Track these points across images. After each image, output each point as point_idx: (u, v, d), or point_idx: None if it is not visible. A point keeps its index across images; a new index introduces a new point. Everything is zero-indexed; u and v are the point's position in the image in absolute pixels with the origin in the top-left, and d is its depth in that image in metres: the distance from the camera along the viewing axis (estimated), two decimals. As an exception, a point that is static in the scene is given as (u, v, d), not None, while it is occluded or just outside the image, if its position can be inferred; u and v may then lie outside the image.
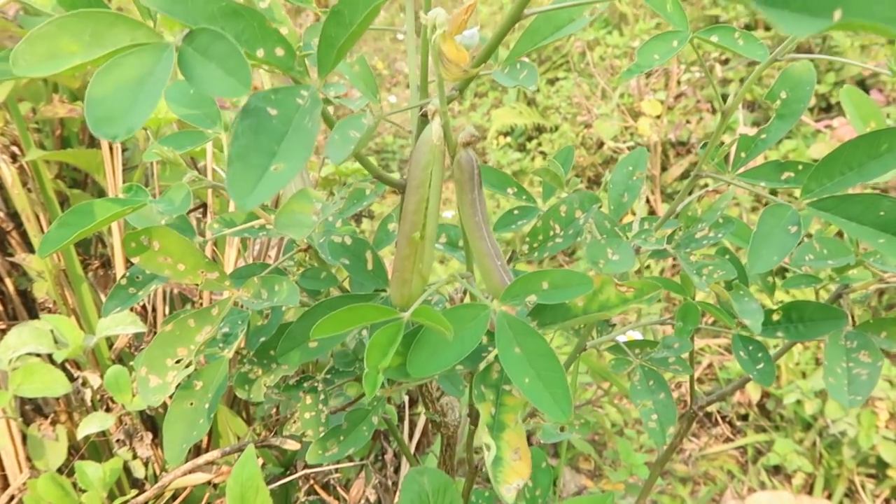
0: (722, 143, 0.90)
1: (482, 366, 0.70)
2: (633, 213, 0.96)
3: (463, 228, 0.72)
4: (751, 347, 0.91)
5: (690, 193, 0.92)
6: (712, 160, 0.88)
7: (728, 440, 2.10)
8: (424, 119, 0.71)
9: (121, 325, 1.17)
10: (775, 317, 0.92)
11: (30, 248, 1.38)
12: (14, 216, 1.39)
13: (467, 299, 0.83)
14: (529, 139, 3.57)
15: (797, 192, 0.75)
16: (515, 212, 0.95)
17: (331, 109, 0.64)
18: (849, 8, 0.33)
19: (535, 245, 0.86)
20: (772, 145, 0.87)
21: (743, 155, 0.88)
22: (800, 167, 0.84)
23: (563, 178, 0.91)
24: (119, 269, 1.36)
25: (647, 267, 2.41)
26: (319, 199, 0.67)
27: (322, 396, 0.94)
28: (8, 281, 1.39)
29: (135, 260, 0.77)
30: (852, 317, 0.93)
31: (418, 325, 0.65)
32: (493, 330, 0.64)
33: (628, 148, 2.96)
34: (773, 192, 0.82)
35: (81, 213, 0.71)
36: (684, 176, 2.95)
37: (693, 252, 0.90)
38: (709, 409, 2.14)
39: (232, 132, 0.48)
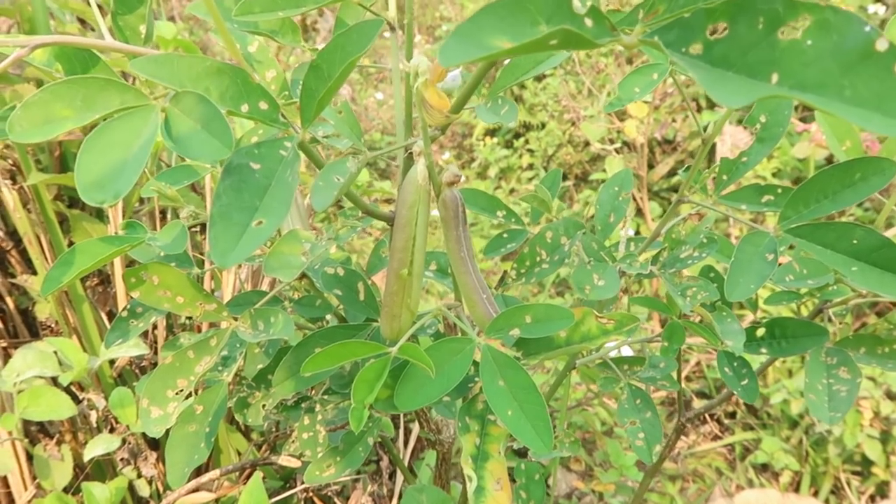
0: (711, 154, 0.92)
1: (468, 397, 0.72)
2: (624, 223, 0.98)
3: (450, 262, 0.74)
4: (735, 364, 0.93)
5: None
6: (695, 184, 0.90)
7: (716, 438, 2.12)
8: (410, 157, 0.74)
9: (123, 347, 1.20)
10: (759, 333, 0.94)
11: (30, 268, 1.40)
12: (13, 234, 1.42)
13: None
14: (517, 137, 3.59)
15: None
16: (504, 235, 0.97)
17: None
18: (784, 72, 0.36)
19: (523, 271, 0.88)
20: (752, 168, 0.89)
21: (725, 178, 0.90)
22: (779, 191, 0.86)
23: (551, 202, 0.93)
24: (118, 286, 1.39)
25: (640, 284, 2.44)
26: (309, 239, 0.69)
27: (319, 417, 0.97)
28: (9, 300, 1.42)
29: (135, 294, 0.79)
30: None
31: (406, 359, 0.67)
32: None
33: (615, 149, 2.97)
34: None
35: (82, 252, 0.73)
36: (671, 174, 2.96)
37: (679, 272, 0.92)
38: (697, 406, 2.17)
39: (214, 192, 0.49)
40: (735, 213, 0.85)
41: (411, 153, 0.71)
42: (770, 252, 0.75)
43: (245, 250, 0.49)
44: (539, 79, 3.72)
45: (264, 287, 1.36)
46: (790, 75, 0.35)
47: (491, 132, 3.64)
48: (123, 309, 0.86)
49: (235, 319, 0.81)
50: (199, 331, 1.38)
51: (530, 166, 3.38)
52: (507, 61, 0.77)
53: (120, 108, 0.52)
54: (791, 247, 0.96)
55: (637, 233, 2.69)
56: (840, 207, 0.74)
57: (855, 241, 0.71)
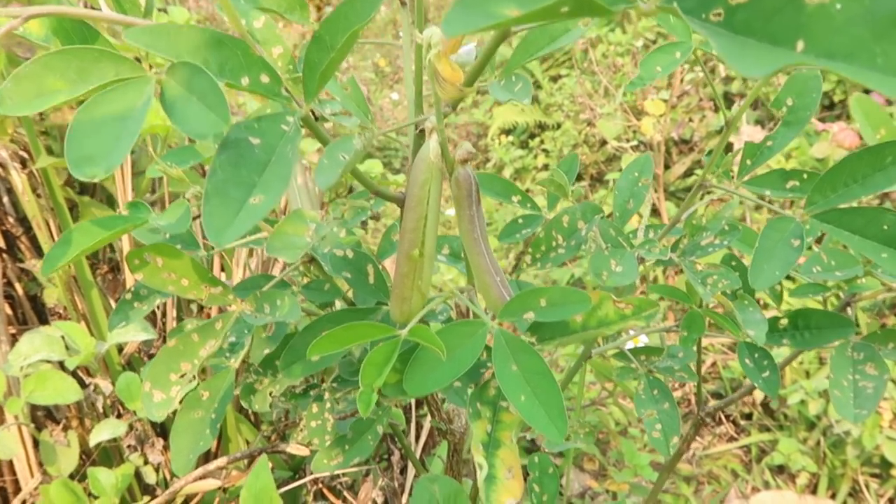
0: (728, 152, 0.89)
1: (480, 382, 0.69)
2: (640, 215, 0.95)
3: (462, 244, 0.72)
4: (756, 355, 0.90)
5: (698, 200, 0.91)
6: (717, 168, 0.87)
7: (732, 439, 2.09)
8: (421, 134, 0.71)
9: (131, 332, 1.18)
10: (781, 324, 0.91)
11: (39, 254, 1.39)
12: (23, 221, 1.41)
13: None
14: (532, 137, 3.56)
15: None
16: (520, 220, 0.94)
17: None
18: (810, 39, 0.32)
19: (538, 256, 0.86)
20: (777, 152, 0.85)
21: (749, 162, 0.86)
22: (805, 176, 0.83)
23: (568, 187, 0.90)
24: (128, 273, 1.37)
25: (656, 277, 2.40)
26: (314, 219, 0.66)
27: (328, 405, 0.95)
28: (17, 285, 1.41)
29: (138, 276, 0.77)
30: (857, 323, 0.92)
31: (416, 341, 0.65)
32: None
33: (632, 148, 2.93)
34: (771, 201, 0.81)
35: (83, 231, 0.71)
36: (687, 174, 2.92)
37: (698, 260, 0.89)
38: (712, 407, 2.14)
39: (210, 167, 0.47)
40: (758, 199, 0.82)
41: (422, 130, 0.68)
42: (796, 238, 0.71)
43: (241, 227, 0.47)
44: (555, 79, 3.70)
45: (274, 274, 1.34)
46: (817, 42, 0.32)
47: (506, 131, 3.61)
48: (127, 291, 0.84)
49: (242, 303, 0.79)
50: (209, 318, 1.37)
51: (545, 167, 3.35)
52: (519, 36, 0.74)
53: (114, 79, 0.50)
54: (820, 237, 0.93)
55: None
56: (870, 192, 0.70)
57: (885, 227, 0.67)
